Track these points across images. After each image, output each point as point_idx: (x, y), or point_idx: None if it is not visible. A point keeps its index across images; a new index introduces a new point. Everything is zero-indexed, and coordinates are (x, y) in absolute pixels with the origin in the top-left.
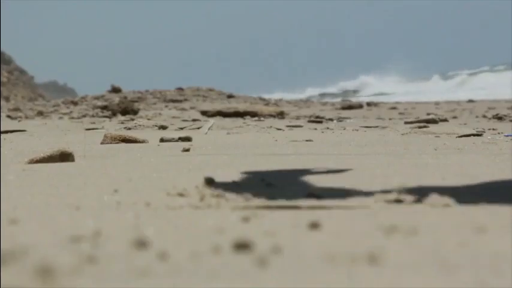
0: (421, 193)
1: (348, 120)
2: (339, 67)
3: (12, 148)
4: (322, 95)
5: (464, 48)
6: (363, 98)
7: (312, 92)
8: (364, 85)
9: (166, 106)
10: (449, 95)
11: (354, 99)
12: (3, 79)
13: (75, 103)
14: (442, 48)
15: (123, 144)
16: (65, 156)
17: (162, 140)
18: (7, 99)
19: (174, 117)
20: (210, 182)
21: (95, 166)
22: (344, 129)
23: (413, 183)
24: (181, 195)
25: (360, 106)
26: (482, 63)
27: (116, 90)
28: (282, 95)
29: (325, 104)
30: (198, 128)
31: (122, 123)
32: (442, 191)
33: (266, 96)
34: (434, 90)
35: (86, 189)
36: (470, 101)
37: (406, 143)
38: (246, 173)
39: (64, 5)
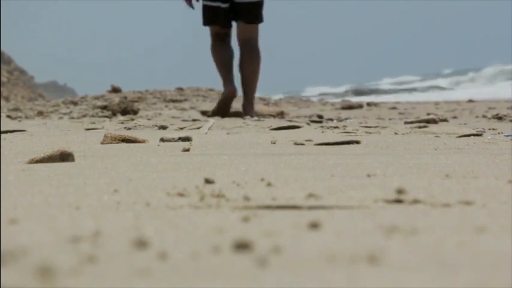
0: (420, 193)
1: (348, 120)
2: (339, 67)
3: (12, 148)
4: (322, 94)
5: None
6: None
7: (311, 91)
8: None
9: (166, 106)
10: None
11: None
12: (3, 79)
13: (75, 103)
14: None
15: (123, 144)
16: (65, 156)
17: (162, 140)
18: (7, 99)
19: (174, 117)
20: (210, 182)
21: (95, 166)
22: (344, 129)
23: (413, 183)
24: (181, 195)
25: (360, 106)
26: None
27: (115, 90)
28: (282, 95)
29: (325, 104)
30: (198, 128)
31: (122, 123)
32: (442, 190)
33: (266, 96)
34: None
35: (86, 189)
36: (470, 101)
37: (406, 143)
38: (246, 173)
39: (64, 5)
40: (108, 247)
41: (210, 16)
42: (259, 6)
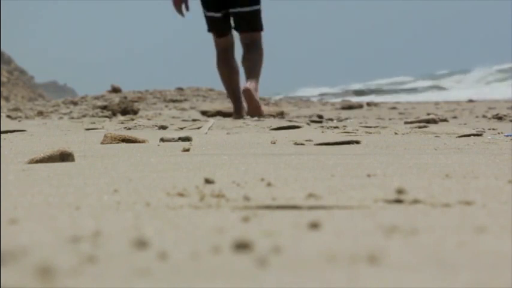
0: (420, 193)
1: (348, 120)
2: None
3: (12, 148)
4: (322, 95)
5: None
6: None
7: (307, 92)
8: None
9: (166, 106)
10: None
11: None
12: (3, 79)
13: (75, 103)
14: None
15: (123, 144)
16: (65, 156)
17: (162, 140)
18: (7, 99)
19: (174, 117)
20: (210, 182)
21: (95, 166)
22: (344, 129)
23: (413, 183)
24: (181, 195)
25: (360, 106)
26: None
27: (115, 90)
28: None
29: (325, 104)
30: (198, 128)
31: (122, 123)
32: (442, 190)
33: (266, 96)
34: None
35: (86, 189)
36: (470, 101)
37: (406, 143)
38: (246, 173)
39: (64, 5)
40: (108, 247)
41: (209, 24)
42: (257, 13)
